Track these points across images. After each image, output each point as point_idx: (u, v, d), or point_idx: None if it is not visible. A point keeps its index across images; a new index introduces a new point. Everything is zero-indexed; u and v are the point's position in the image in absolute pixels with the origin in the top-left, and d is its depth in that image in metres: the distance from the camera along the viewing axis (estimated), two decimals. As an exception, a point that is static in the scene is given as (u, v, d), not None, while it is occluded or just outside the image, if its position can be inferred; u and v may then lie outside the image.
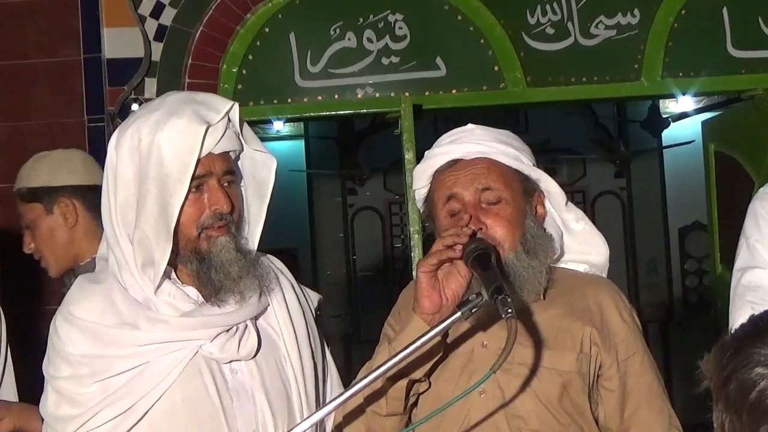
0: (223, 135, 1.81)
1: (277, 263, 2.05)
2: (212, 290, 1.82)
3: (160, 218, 1.77)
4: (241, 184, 1.94)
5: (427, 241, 3.66)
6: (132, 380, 1.78)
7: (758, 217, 2.04)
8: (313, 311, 2.08)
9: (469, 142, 1.99)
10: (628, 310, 2.01)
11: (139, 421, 1.78)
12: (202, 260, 1.82)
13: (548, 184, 2.04)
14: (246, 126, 1.91)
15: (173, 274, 1.85)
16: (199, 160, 1.78)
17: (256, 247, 1.93)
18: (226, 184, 1.84)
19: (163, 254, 1.78)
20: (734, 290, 2.04)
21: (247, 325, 1.87)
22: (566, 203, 2.08)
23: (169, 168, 1.76)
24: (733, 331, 1.11)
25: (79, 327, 1.82)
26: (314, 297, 2.11)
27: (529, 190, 2.01)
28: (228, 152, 1.85)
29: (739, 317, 2.02)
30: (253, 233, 1.93)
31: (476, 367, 1.91)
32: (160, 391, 1.78)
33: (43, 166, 2.58)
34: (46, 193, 2.55)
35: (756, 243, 2.02)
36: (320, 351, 2.05)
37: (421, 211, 2.12)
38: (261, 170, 1.93)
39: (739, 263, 2.06)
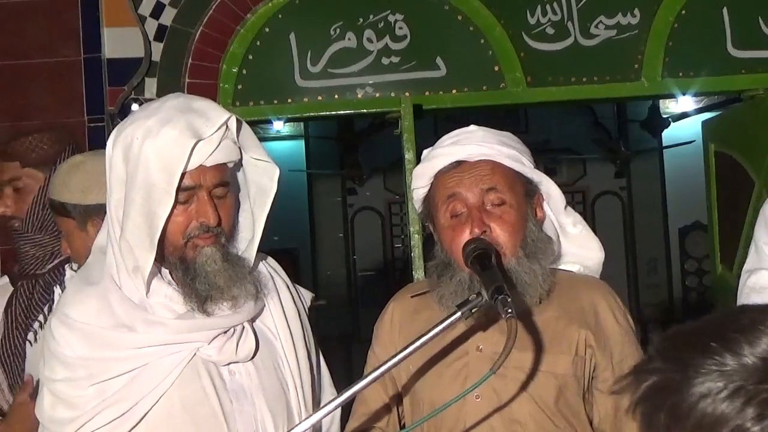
0: (216, 147, 1.78)
1: (272, 263, 2.04)
2: (197, 301, 1.80)
3: (143, 228, 1.75)
4: (242, 191, 1.93)
5: (427, 242, 3.66)
6: (129, 383, 1.77)
7: None
8: (306, 310, 2.07)
9: (472, 143, 1.98)
10: (622, 311, 2.01)
11: (137, 424, 1.76)
12: (187, 269, 1.80)
13: (549, 186, 2.04)
14: (248, 134, 1.88)
15: (169, 276, 1.84)
16: (188, 173, 1.76)
17: (254, 254, 1.91)
18: (217, 196, 1.81)
19: (145, 262, 1.76)
20: (740, 292, 2.04)
21: (244, 327, 1.86)
22: (565, 207, 2.07)
23: (156, 178, 1.74)
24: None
25: (74, 329, 1.80)
26: (307, 295, 2.10)
27: (530, 192, 2.00)
28: (223, 164, 1.82)
29: None
30: (253, 240, 1.91)
31: (471, 371, 1.91)
32: (158, 394, 1.77)
33: (75, 181, 2.39)
34: (78, 212, 2.38)
35: (764, 246, 2.03)
36: (314, 351, 2.05)
37: (419, 210, 2.11)
38: (263, 178, 1.91)
39: (746, 266, 2.07)
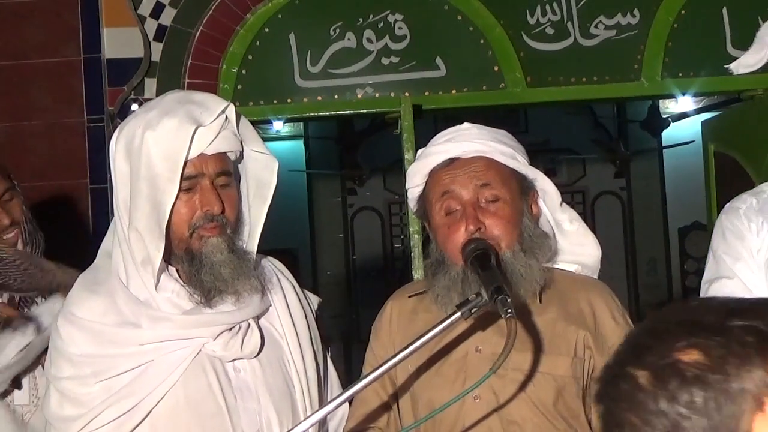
0: (217, 135, 1.79)
1: (278, 265, 2.04)
2: (202, 293, 1.81)
3: (152, 216, 1.77)
4: (242, 184, 1.93)
5: (427, 241, 3.66)
6: (135, 379, 1.78)
7: (724, 230, 2.08)
8: (314, 313, 2.07)
9: (467, 140, 1.98)
10: (621, 312, 2.00)
11: (143, 420, 1.78)
12: (192, 260, 1.81)
13: (544, 183, 2.04)
14: (247, 126, 1.90)
15: (176, 274, 1.85)
16: (189, 161, 1.77)
17: (255, 249, 1.91)
18: (220, 185, 1.83)
19: (156, 250, 1.77)
20: None
21: (249, 324, 1.86)
22: (561, 203, 2.07)
23: (159, 168, 1.76)
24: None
25: (80, 327, 1.81)
26: (314, 300, 2.11)
27: (525, 189, 2.00)
28: (224, 153, 1.83)
29: None
30: (253, 234, 1.92)
31: (470, 372, 1.90)
32: (164, 390, 1.78)
33: None
34: None
35: (723, 255, 2.05)
36: (321, 353, 2.05)
37: (414, 209, 2.11)
38: (263, 171, 1.92)
39: (706, 276, 2.10)
